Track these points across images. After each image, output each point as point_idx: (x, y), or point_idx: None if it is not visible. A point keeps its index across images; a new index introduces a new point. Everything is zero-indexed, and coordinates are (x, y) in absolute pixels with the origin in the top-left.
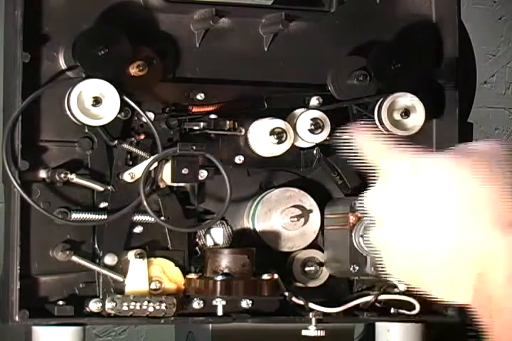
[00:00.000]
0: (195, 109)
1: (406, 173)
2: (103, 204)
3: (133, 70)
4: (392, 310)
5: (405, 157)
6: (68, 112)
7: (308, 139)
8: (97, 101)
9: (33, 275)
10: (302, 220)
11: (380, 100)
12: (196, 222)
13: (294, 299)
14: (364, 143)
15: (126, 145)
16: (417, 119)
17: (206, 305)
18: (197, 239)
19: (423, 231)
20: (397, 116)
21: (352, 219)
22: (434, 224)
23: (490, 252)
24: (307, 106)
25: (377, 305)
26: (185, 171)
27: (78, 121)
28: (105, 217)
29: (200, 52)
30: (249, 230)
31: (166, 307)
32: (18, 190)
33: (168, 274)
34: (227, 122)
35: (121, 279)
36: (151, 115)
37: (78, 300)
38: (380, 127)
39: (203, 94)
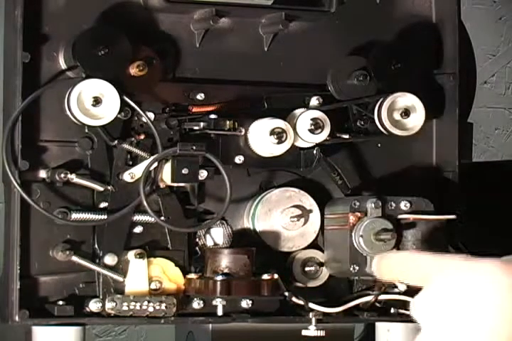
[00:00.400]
0: (195, 109)
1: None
2: (103, 204)
3: (133, 70)
4: (392, 310)
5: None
6: (68, 112)
7: (308, 139)
8: (97, 101)
9: (33, 275)
10: (302, 220)
11: (380, 100)
12: (196, 222)
13: (294, 299)
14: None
15: (126, 145)
16: (417, 119)
17: (206, 305)
18: (197, 239)
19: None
20: (397, 116)
21: (352, 219)
22: (483, 330)
23: None
24: (307, 106)
25: (377, 305)
26: (185, 171)
27: (78, 121)
28: (105, 217)
29: (200, 52)
30: (249, 230)
31: (166, 307)
32: (18, 190)
33: (168, 274)
34: (227, 122)
35: (121, 279)
36: (151, 115)
37: (78, 300)
38: (379, 127)
39: (203, 94)
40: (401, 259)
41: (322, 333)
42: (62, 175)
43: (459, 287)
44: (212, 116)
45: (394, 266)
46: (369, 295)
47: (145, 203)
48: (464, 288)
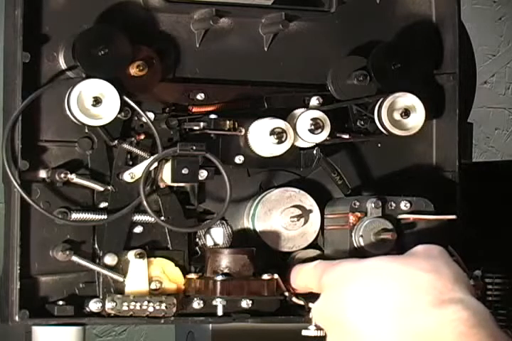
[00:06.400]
0: (195, 109)
1: (345, 281)
2: (103, 204)
3: (133, 70)
4: None
5: (340, 267)
6: (68, 112)
7: (308, 139)
8: (97, 101)
9: (33, 275)
10: (302, 220)
11: (380, 100)
12: (196, 222)
13: (294, 299)
14: (296, 276)
15: (126, 145)
16: (417, 119)
17: (206, 305)
18: (197, 239)
19: (375, 327)
20: (397, 116)
21: (352, 219)
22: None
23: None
24: (307, 106)
25: None
26: (185, 171)
27: (78, 121)
28: (105, 217)
29: (200, 52)
30: (249, 230)
31: (166, 307)
32: (18, 190)
33: (168, 274)
34: (227, 122)
35: (121, 279)
36: (151, 115)
37: (78, 300)
38: (379, 127)
39: (202, 94)
40: (303, 271)
41: (322, 333)
42: (62, 175)
43: (349, 287)
44: (212, 116)
45: (300, 278)
46: None
47: (145, 203)
48: (354, 287)
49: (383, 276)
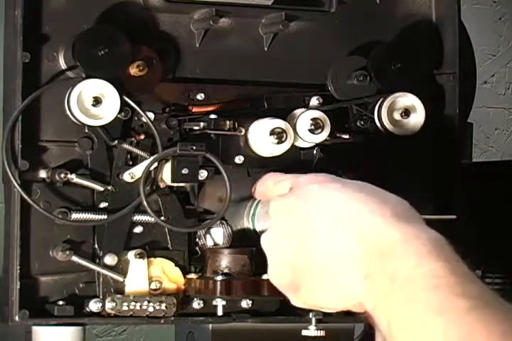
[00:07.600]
0: (195, 109)
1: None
2: (103, 204)
3: (133, 70)
4: None
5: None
6: (68, 112)
7: (308, 139)
8: (97, 101)
9: (33, 275)
10: None
11: (380, 100)
12: (196, 222)
13: None
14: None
15: (126, 145)
16: (417, 119)
17: (206, 305)
18: (197, 239)
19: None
20: (397, 116)
21: None
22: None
23: (388, 239)
24: (307, 106)
25: None
26: (185, 171)
27: (78, 121)
28: (105, 217)
29: (200, 52)
30: (249, 230)
31: (166, 307)
32: (18, 190)
33: (168, 274)
34: (227, 122)
35: (121, 279)
36: (151, 115)
37: (78, 300)
38: (379, 127)
39: (202, 94)
40: (266, 178)
41: (322, 333)
42: (62, 175)
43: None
44: (212, 116)
45: (262, 186)
46: None
47: (145, 203)
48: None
49: (353, 189)
